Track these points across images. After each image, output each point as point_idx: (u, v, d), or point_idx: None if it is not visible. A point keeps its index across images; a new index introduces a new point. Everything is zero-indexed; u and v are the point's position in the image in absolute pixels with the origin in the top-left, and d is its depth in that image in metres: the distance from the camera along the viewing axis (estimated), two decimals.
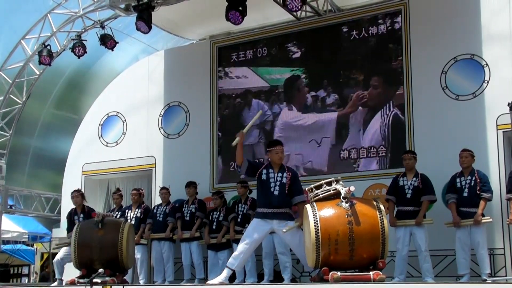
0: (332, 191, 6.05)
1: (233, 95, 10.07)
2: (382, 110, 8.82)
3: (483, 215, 7.14)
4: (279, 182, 6.68)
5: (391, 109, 8.77)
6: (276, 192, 6.66)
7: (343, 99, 9.15)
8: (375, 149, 8.80)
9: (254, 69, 9.93)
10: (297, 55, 9.65)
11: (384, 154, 8.72)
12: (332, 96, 9.25)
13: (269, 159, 6.94)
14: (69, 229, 8.74)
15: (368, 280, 5.64)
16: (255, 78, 9.92)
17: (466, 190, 7.24)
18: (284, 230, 6.55)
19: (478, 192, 7.15)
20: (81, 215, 8.85)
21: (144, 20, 8.86)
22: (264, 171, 6.76)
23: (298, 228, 6.59)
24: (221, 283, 6.62)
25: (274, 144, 6.94)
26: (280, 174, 6.73)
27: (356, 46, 9.17)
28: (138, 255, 9.22)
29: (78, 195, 9.04)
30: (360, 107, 8.99)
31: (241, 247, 6.69)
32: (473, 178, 7.21)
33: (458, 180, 7.33)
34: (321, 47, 9.50)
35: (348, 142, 9.00)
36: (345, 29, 9.30)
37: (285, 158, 9.08)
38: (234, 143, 6.81)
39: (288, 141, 9.13)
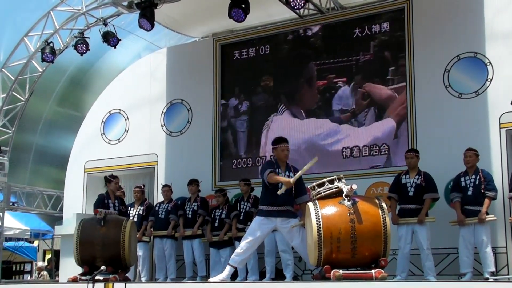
0: (334, 189, 6.05)
1: None
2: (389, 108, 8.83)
3: (487, 214, 7.15)
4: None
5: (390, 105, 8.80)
6: (281, 191, 6.64)
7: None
8: (377, 147, 8.80)
9: None
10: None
11: (386, 152, 8.72)
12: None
13: (275, 157, 6.92)
14: (96, 206, 8.53)
15: (370, 278, 5.64)
16: None
17: (470, 189, 7.25)
18: (293, 225, 6.54)
19: (482, 191, 7.16)
20: (116, 202, 8.78)
21: (147, 17, 8.86)
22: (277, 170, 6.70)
23: (301, 226, 6.59)
24: (223, 281, 6.62)
25: (280, 141, 6.86)
26: (287, 173, 6.71)
27: (359, 44, 9.17)
28: (140, 253, 9.25)
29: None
30: (365, 105, 8.99)
31: (243, 245, 6.70)
32: (478, 177, 7.23)
33: (462, 179, 7.35)
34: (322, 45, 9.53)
35: (350, 139, 9.00)
36: (348, 27, 9.29)
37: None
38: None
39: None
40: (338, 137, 9.11)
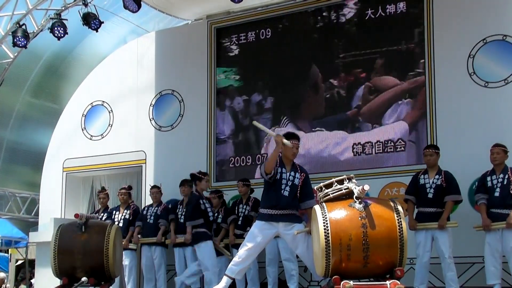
0: (344, 191, 6.07)
1: None
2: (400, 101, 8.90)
3: None
4: (290, 182, 6.67)
5: (407, 99, 8.88)
6: (285, 193, 6.67)
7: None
8: (392, 144, 8.85)
9: None
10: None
11: (402, 149, 8.77)
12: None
13: (280, 153, 6.94)
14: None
15: None
16: None
17: (497, 189, 7.24)
18: (296, 232, 6.59)
19: (511, 192, 7.16)
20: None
21: None
22: (279, 169, 6.70)
23: (307, 233, 6.63)
24: None
25: (290, 137, 6.79)
26: (292, 174, 6.72)
27: (373, 26, 9.23)
28: (126, 262, 9.30)
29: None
30: (372, 97, 9.07)
31: (242, 253, 6.71)
32: (506, 177, 7.21)
33: (489, 178, 7.34)
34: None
35: (362, 135, 9.08)
36: (358, 7, 9.34)
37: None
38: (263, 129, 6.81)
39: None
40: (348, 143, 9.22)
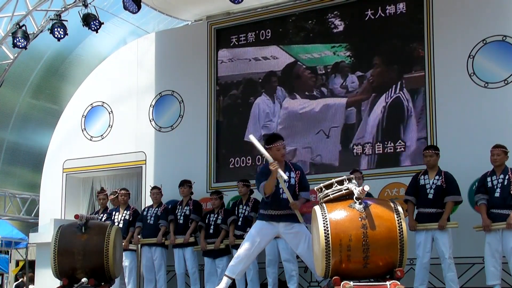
0: (344, 191, 6.06)
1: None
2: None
3: None
4: (287, 184, 6.64)
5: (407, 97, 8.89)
6: (284, 196, 6.66)
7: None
8: (392, 144, 8.85)
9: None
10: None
11: (403, 149, 8.77)
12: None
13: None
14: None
15: None
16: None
17: (498, 190, 7.24)
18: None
19: (511, 192, 7.16)
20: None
21: None
22: None
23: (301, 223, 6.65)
24: None
25: (274, 140, 6.74)
26: (287, 174, 6.70)
27: (371, 27, 9.23)
28: (126, 263, 9.30)
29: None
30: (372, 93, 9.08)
31: (241, 253, 6.70)
32: (506, 177, 7.20)
33: (489, 179, 7.33)
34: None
35: (360, 134, 9.09)
36: (358, 8, 9.33)
37: (291, 153, 9.17)
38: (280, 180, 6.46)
39: (294, 133, 9.32)
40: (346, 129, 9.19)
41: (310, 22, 9.78)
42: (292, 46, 9.81)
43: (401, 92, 8.90)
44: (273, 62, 9.91)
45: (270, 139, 6.79)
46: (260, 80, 9.98)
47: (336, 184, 6.14)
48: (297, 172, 6.80)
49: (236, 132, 10.06)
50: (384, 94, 9.00)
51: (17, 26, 10.36)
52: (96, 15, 10.09)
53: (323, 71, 9.49)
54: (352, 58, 9.35)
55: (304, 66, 9.64)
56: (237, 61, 10.16)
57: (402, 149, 8.79)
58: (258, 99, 9.94)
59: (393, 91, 8.95)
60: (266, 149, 6.65)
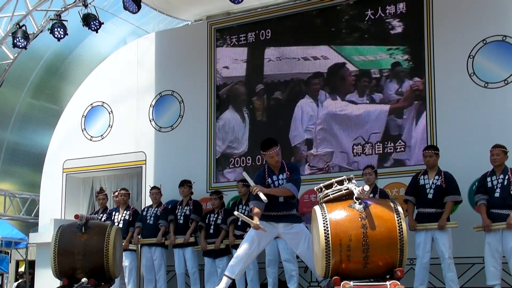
0: (343, 191, 6.07)
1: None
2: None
3: None
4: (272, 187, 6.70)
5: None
6: (281, 199, 6.69)
7: None
8: (392, 144, 8.85)
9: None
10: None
11: (402, 149, 8.77)
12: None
13: (267, 163, 6.88)
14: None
15: None
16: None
17: (498, 190, 7.24)
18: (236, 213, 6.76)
19: (511, 192, 7.16)
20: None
21: None
22: (269, 179, 6.73)
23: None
24: None
25: (267, 147, 6.70)
26: (281, 176, 6.72)
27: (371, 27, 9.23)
28: (126, 263, 9.30)
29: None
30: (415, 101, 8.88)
31: (241, 253, 6.69)
32: (506, 177, 7.21)
33: (489, 179, 7.34)
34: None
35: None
36: (358, 8, 9.33)
37: (328, 156, 9.10)
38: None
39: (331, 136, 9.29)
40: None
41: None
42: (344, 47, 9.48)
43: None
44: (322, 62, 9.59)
45: (264, 146, 6.76)
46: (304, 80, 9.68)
47: (336, 184, 6.15)
48: (287, 173, 6.77)
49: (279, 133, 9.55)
50: None
51: (17, 26, 10.37)
52: (96, 15, 10.10)
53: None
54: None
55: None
56: (284, 60, 9.84)
57: (402, 149, 8.79)
58: (301, 101, 9.62)
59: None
60: (261, 154, 6.84)
